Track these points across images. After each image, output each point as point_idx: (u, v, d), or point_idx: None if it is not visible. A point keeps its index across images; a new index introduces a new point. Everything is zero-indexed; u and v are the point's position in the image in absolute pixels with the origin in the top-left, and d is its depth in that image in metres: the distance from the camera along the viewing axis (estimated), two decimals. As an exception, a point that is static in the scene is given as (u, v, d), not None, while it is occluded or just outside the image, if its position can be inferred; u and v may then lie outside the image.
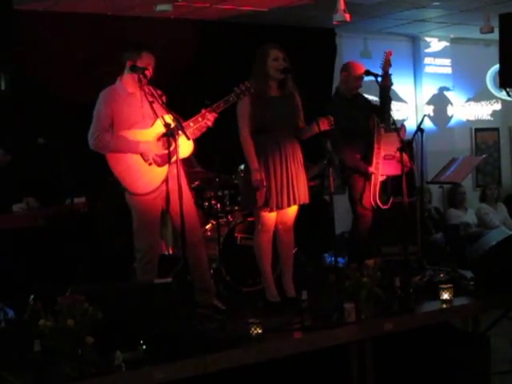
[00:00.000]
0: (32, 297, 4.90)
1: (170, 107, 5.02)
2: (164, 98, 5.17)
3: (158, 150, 5.00)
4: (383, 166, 6.11)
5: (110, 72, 6.87)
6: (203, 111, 5.06)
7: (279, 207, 5.28)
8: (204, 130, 5.13)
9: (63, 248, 5.90)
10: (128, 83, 5.07)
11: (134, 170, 5.03)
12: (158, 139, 4.98)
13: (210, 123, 5.08)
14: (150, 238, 5.10)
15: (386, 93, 6.23)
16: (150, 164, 5.02)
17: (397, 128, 5.95)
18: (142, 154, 5.02)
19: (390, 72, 6.16)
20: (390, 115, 6.20)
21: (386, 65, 6.16)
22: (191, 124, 5.05)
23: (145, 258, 5.08)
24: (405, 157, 5.70)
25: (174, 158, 4.94)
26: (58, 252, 5.86)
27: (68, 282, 4.48)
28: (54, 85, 7.12)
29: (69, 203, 6.01)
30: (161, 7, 7.04)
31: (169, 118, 4.88)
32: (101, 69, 7.35)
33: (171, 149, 4.83)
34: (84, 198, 6.18)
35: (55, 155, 6.17)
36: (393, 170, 6.06)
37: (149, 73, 5.03)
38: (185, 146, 5.05)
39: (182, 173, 5.16)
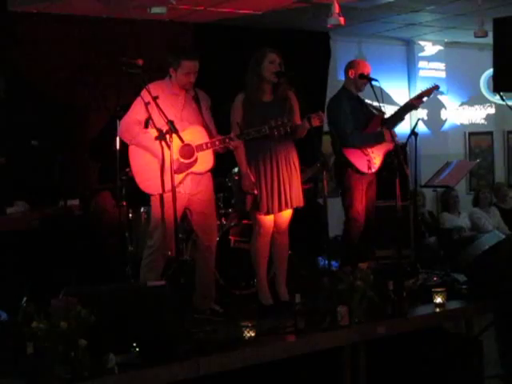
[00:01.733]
0: (25, 299, 4.89)
1: (212, 113, 5.26)
2: (209, 103, 5.27)
3: (177, 158, 5.00)
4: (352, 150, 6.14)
5: (105, 73, 6.89)
6: (232, 134, 5.09)
7: (270, 212, 5.28)
8: (226, 150, 5.17)
9: (57, 250, 5.88)
10: (175, 84, 5.09)
11: (148, 169, 5.06)
12: (182, 147, 4.98)
13: (232, 147, 5.12)
14: (161, 238, 5.10)
15: (407, 111, 6.43)
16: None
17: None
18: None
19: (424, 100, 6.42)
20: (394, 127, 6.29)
21: (427, 92, 6.35)
22: (217, 143, 5.09)
23: (151, 256, 5.12)
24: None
25: (193, 169, 5.05)
26: (52, 254, 5.84)
27: (61, 284, 4.46)
28: (48, 86, 7.13)
29: (62, 205, 6.01)
30: (155, 9, 7.04)
31: (194, 131, 4.99)
32: (96, 70, 7.36)
33: (167, 155, 4.83)
34: (77, 200, 6.18)
35: (49, 157, 6.16)
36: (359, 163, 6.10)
37: (188, 79, 5.05)
38: (206, 160, 5.11)
39: (210, 181, 5.27)
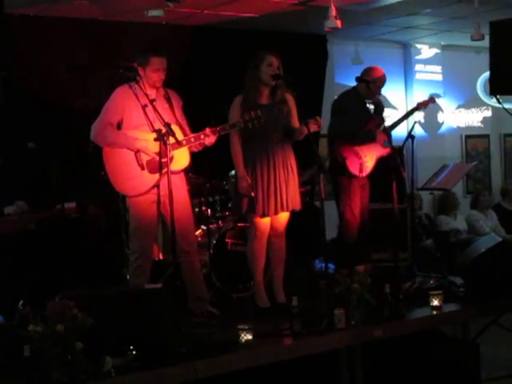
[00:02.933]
0: (21, 302, 4.88)
1: (185, 112, 5.21)
2: (181, 103, 5.23)
3: (154, 151, 4.97)
4: (347, 151, 6.14)
5: (102, 76, 6.87)
6: (207, 130, 5.04)
7: (266, 214, 5.28)
8: (202, 147, 5.14)
9: (53, 253, 5.88)
10: (145, 85, 5.06)
11: (124, 170, 5.03)
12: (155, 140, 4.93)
13: (208, 144, 5.08)
14: (143, 242, 5.09)
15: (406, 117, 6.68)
16: (143, 168, 5.01)
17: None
18: (136, 154, 5.01)
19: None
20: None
21: (424, 103, 6.75)
22: (192, 140, 5.05)
23: (137, 262, 5.08)
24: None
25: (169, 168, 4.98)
26: (48, 257, 5.84)
27: (58, 287, 4.47)
28: (44, 89, 7.11)
29: (59, 208, 6.00)
30: (152, 12, 7.04)
31: (173, 127, 4.89)
32: (92, 73, 7.36)
33: (163, 159, 4.81)
34: (74, 202, 6.17)
35: (45, 160, 6.15)
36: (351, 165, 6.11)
37: (158, 76, 5.04)
38: (182, 158, 5.07)
39: (184, 182, 5.20)
